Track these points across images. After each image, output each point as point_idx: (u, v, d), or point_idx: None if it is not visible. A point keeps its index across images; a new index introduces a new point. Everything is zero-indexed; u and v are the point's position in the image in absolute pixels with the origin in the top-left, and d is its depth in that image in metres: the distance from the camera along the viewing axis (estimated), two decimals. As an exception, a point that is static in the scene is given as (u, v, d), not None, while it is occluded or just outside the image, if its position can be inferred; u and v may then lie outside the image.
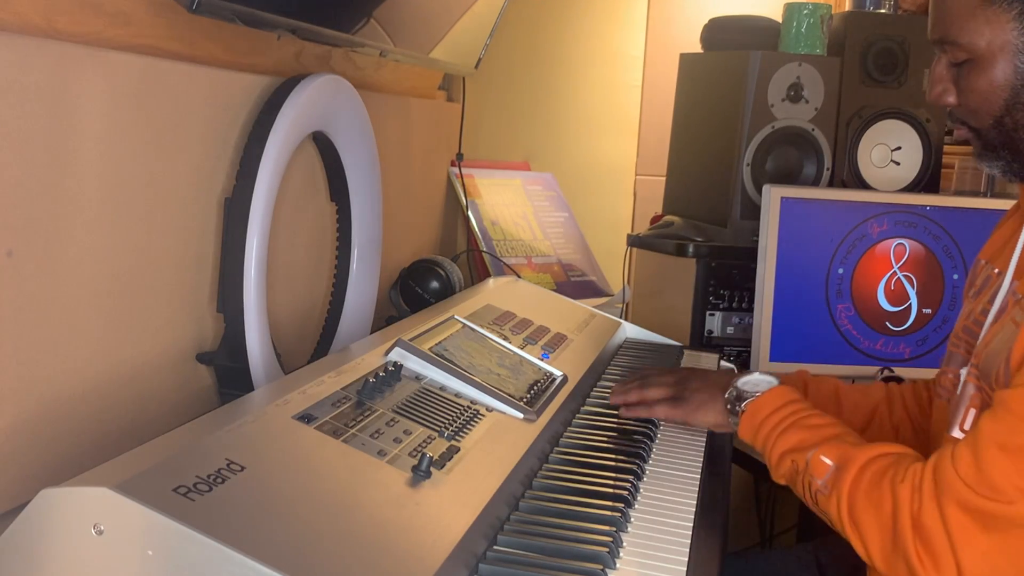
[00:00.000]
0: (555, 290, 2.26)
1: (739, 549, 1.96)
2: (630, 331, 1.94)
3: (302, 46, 1.59)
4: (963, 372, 1.23)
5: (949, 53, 1.15)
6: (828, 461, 1.13)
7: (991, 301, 1.22)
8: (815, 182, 2.14)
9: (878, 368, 1.98)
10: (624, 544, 1.04)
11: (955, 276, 2.01)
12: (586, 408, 1.46)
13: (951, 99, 1.17)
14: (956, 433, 1.18)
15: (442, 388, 1.23)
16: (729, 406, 1.31)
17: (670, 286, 2.23)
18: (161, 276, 1.26)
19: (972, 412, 1.17)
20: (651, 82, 2.98)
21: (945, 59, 1.17)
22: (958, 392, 1.23)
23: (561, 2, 3.00)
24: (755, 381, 1.31)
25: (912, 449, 1.40)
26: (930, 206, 2.01)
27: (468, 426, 1.15)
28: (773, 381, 1.30)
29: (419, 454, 0.99)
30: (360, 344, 1.35)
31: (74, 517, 0.75)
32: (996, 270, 1.26)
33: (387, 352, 1.26)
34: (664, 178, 2.47)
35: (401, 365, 1.23)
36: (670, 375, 1.45)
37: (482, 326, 1.50)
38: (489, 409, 1.22)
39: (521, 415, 1.24)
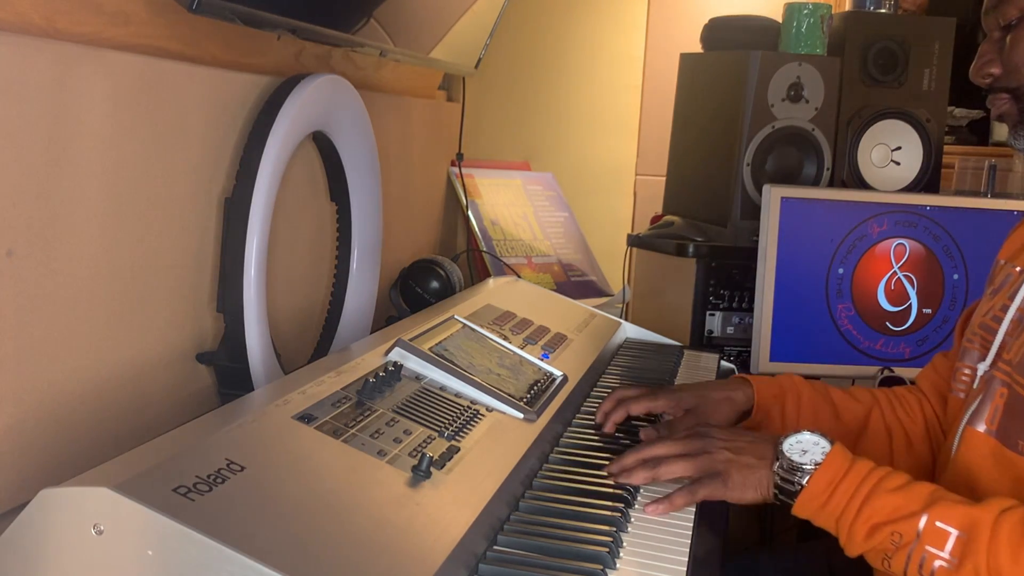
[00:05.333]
0: (555, 290, 2.26)
1: (739, 549, 1.96)
2: (630, 331, 1.94)
3: (302, 46, 1.59)
4: (980, 367, 1.24)
5: (1001, 16, 1.21)
6: (950, 528, 1.00)
7: (1010, 298, 1.23)
8: (815, 182, 2.14)
9: (878, 368, 1.98)
10: (624, 544, 1.03)
11: (955, 276, 2.01)
12: (586, 408, 1.46)
13: (995, 69, 1.23)
14: (981, 428, 1.19)
15: (442, 388, 1.23)
16: (780, 477, 1.11)
17: (670, 286, 2.23)
18: (161, 276, 1.26)
19: (999, 409, 1.16)
20: (651, 82, 2.98)
21: (993, 36, 1.23)
22: (975, 387, 1.24)
23: (561, 2, 3.00)
24: (803, 445, 1.12)
25: (906, 457, 1.40)
26: (930, 206, 2.01)
27: (468, 426, 1.15)
28: (824, 443, 1.11)
29: (419, 454, 0.99)
30: (360, 344, 1.35)
31: (74, 517, 0.75)
32: (1018, 268, 1.26)
33: (387, 352, 1.26)
34: (664, 178, 2.47)
35: (401, 365, 1.23)
36: (678, 443, 1.20)
37: (482, 326, 1.50)
38: (489, 409, 1.22)
39: (521, 415, 1.24)
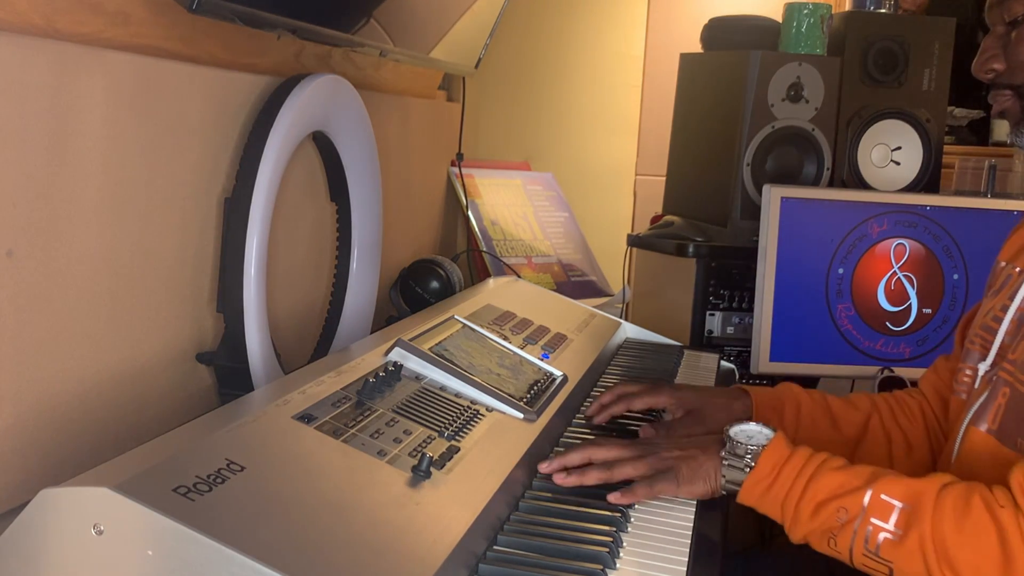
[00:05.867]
0: (555, 290, 2.26)
1: (739, 549, 1.96)
2: (630, 331, 1.94)
3: (302, 46, 1.59)
4: (981, 367, 1.24)
5: (1007, 12, 1.21)
6: (894, 501, 1.02)
7: (1010, 298, 1.23)
8: (815, 182, 2.14)
9: (878, 368, 1.98)
10: (624, 544, 1.04)
11: (955, 276, 2.01)
12: (586, 408, 1.46)
13: (998, 64, 1.23)
14: (983, 427, 1.19)
15: (442, 388, 1.23)
16: (728, 463, 1.13)
17: (670, 286, 2.23)
18: (161, 276, 1.26)
19: (1001, 408, 1.17)
20: (651, 82, 2.98)
21: (997, 31, 1.23)
22: (976, 387, 1.24)
23: (561, 2, 3.00)
24: (748, 432, 1.14)
25: (906, 461, 1.40)
26: (930, 206, 2.01)
27: (468, 426, 1.15)
28: (767, 430, 1.14)
29: (419, 454, 0.99)
30: (360, 344, 1.35)
31: (74, 517, 0.75)
32: (1018, 268, 1.27)
33: (387, 352, 1.26)
34: (664, 178, 2.47)
35: (401, 365, 1.23)
36: (625, 447, 1.18)
37: (482, 326, 1.50)
38: (489, 409, 1.22)
39: (521, 415, 1.24)
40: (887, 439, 1.41)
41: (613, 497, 1.12)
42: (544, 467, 1.16)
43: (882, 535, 1.02)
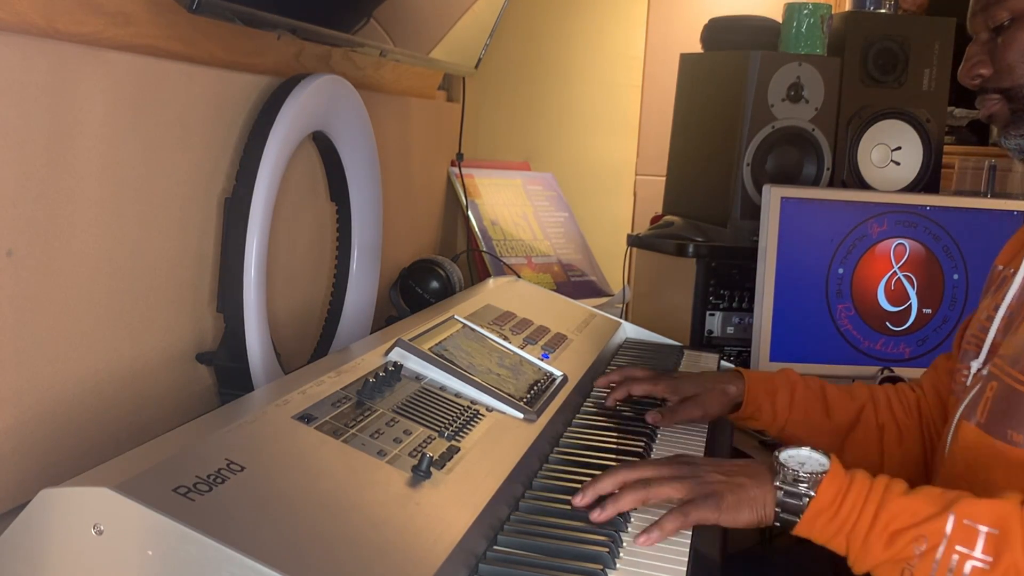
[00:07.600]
0: (555, 290, 2.26)
1: (739, 549, 1.96)
2: (630, 331, 1.94)
3: (302, 46, 1.59)
4: (973, 365, 1.25)
5: (991, 19, 1.22)
6: (979, 526, 0.96)
7: (1003, 298, 1.25)
8: (815, 182, 2.14)
9: (878, 368, 1.98)
10: (624, 544, 1.03)
11: (955, 276, 2.01)
12: (586, 408, 1.46)
13: (984, 70, 1.24)
14: (972, 421, 1.20)
15: (442, 388, 1.23)
16: (784, 491, 1.04)
17: (670, 286, 2.23)
18: (161, 276, 1.26)
19: (989, 401, 1.18)
20: (651, 82, 2.98)
21: (981, 38, 1.24)
22: (967, 383, 1.25)
23: (561, 2, 3.00)
24: (799, 457, 1.06)
25: (897, 451, 1.42)
26: (930, 206, 2.01)
27: (468, 426, 1.15)
28: (819, 455, 1.06)
29: (419, 454, 0.99)
30: (360, 344, 1.35)
31: (74, 517, 0.75)
32: (1012, 270, 1.28)
33: (387, 352, 1.26)
34: (664, 178, 2.47)
35: (401, 365, 1.23)
36: (664, 466, 1.11)
37: (482, 326, 1.50)
38: (489, 409, 1.22)
39: (521, 415, 1.24)
40: (879, 429, 1.43)
41: (641, 540, 1.03)
42: (578, 501, 1.08)
43: (970, 563, 0.96)
